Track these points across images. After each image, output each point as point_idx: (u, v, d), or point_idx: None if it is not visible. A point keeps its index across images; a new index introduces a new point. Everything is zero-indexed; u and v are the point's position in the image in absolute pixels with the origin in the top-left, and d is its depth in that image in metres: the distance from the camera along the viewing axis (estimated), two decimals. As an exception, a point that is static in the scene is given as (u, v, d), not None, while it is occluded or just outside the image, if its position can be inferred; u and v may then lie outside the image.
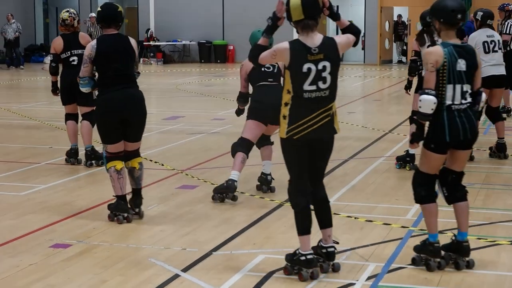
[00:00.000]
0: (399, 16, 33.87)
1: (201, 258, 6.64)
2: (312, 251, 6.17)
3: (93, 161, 10.68)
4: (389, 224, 7.59)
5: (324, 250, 6.30)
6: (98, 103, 7.89)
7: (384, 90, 22.46)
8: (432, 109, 6.13)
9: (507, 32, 15.45)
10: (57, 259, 6.64)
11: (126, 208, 7.80)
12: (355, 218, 7.85)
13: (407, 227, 7.49)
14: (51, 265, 6.47)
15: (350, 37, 6.23)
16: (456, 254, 6.41)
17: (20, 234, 7.34)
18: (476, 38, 11.00)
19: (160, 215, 8.10)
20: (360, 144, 12.38)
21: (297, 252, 6.21)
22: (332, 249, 6.29)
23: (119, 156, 7.82)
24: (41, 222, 7.77)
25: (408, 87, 10.39)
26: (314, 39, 6.07)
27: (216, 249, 6.88)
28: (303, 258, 6.13)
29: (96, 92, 8.10)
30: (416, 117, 6.32)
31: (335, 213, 7.98)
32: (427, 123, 6.30)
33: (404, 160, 10.44)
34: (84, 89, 8.03)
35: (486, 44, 10.94)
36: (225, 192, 8.61)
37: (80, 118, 10.91)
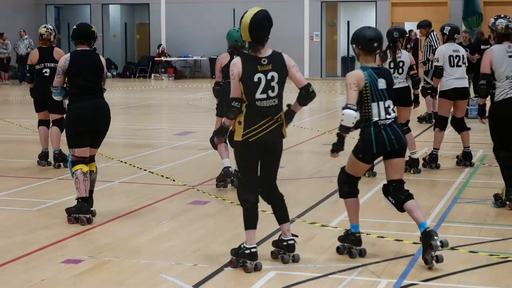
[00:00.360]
0: (411, 31, 33.89)
1: (213, 274, 6.63)
2: (256, 245, 6.72)
3: (61, 163, 11.72)
4: (401, 240, 7.56)
5: (285, 243, 6.91)
6: (70, 110, 8.49)
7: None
8: (353, 123, 6.82)
9: None
10: (69, 274, 6.64)
11: (88, 210, 8.34)
12: (367, 234, 7.82)
13: (419, 243, 7.44)
14: (63, 281, 6.47)
15: (302, 81, 6.79)
16: (429, 241, 6.71)
17: (31, 250, 7.35)
18: (443, 51, 11.48)
19: (171, 230, 8.10)
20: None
21: (242, 246, 6.75)
22: (292, 241, 6.90)
23: (84, 160, 8.42)
24: (52, 238, 7.77)
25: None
26: (264, 53, 6.69)
27: (227, 265, 6.86)
28: (247, 251, 6.69)
29: (67, 101, 8.82)
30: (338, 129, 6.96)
31: (346, 229, 7.97)
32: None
33: (409, 165, 11.08)
34: (56, 98, 8.73)
35: (451, 58, 11.45)
36: (224, 179, 10.03)
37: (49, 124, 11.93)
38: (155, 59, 34.42)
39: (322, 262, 6.92)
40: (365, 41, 6.94)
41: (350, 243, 7.10)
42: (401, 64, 10.99)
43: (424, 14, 31.83)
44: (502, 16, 9.12)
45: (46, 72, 11.64)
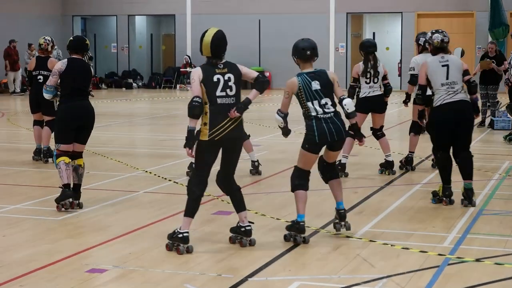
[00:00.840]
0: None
1: (237, 284, 6.63)
2: (188, 231, 7.62)
3: (49, 158, 13.21)
4: (426, 252, 7.53)
5: (242, 229, 7.85)
6: (61, 109, 9.68)
7: (420, 117, 22.33)
8: (280, 126, 8.14)
9: None
10: (93, 284, 6.67)
11: (71, 194, 9.45)
12: (392, 245, 7.80)
13: (444, 255, 7.42)
14: (87, 290, 6.51)
15: (253, 72, 7.87)
16: (336, 220, 8.33)
17: (56, 259, 7.38)
18: (418, 62, 11.94)
19: (195, 240, 8.10)
20: (396, 171, 12.31)
21: (176, 231, 7.64)
22: (249, 227, 7.85)
23: (68, 154, 9.59)
24: (77, 247, 7.81)
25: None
26: (220, 62, 7.72)
27: (251, 275, 6.86)
28: (180, 235, 7.59)
29: (57, 103, 10.00)
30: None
31: (371, 240, 7.95)
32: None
33: (385, 167, 12.11)
34: (46, 95, 9.81)
35: None
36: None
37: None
38: (181, 70, 34.54)
39: (346, 273, 6.90)
40: (299, 51, 8.12)
41: (295, 231, 8.00)
42: (377, 74, 11.91)
43: (450, 25, 31.78)
44: (440, 31, 9.96)
45: (40, 78, 13.09)
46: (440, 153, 9.84)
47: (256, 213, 9.27)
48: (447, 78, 9.70)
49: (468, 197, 9.74)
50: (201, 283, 6.64)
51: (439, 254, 7.44)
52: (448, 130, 9.71)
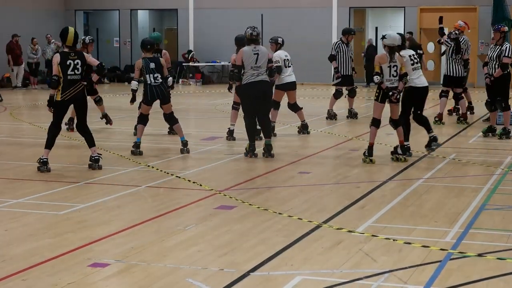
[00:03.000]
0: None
1: (239, 279, 6.63)
2: (47, 157, 11.70)
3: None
4: (428, 247, 7.53)
5: (93, 158, 11.87)
6: None
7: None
8: (136, 87, 13.53)
9: (508, 55, 15.43)
10: (96, 278, 6.67)
11: None
12: (394, 240, 7.80)
13: (446, 250, 7.42)
14: (89, 284, 6.50)
15: (95, 62, 12.39)
16: (183, 147, 13.51)
17: (59, 253, 7.38)
18: (280, 56, 15.71)
19: (197, 235, 8.11)
20: (398, 165, 12.31)
21: (40, 157, 11.69)
22: (97, 157, 11.87)
23: None
24: (79, 241, 7.81)
25: (229, 87, 15.35)
26: (72, 52, 11.71)
27: (253, 270, 6.86)
28: (41, 160, 11.66)
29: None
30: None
31: (373, 235, 7.95)
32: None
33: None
34: None
35: (285, 61, 15.85)
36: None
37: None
38: (183, 64, 34.47)
39: (348, 268, 6.90)
40: (145, 45, 13.33)
41: (135, 148, 13.27)
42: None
43: (453, 20, 31.66)
44: (252, 26, 13.35)
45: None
46: (247, 119, 13.13)
47: (258, 207, 9.27)
48: (255, 63, 13.02)
49: (268, 150, 13.06)
50: (203, 278, 6.65)
51: (441, 249, 7.44)
52: (252, 102, 13.05)
